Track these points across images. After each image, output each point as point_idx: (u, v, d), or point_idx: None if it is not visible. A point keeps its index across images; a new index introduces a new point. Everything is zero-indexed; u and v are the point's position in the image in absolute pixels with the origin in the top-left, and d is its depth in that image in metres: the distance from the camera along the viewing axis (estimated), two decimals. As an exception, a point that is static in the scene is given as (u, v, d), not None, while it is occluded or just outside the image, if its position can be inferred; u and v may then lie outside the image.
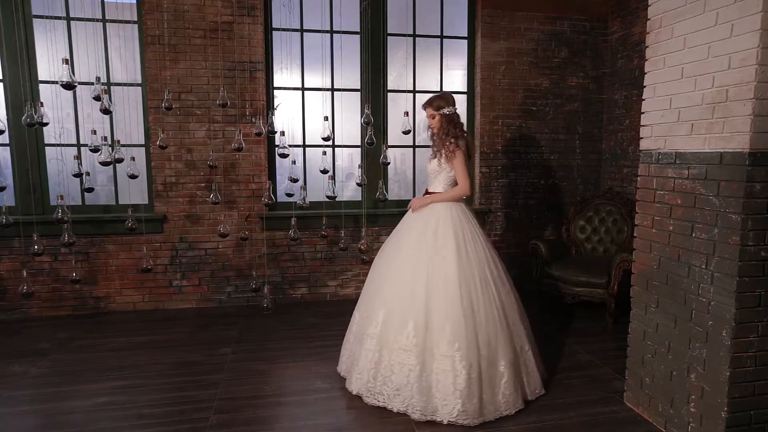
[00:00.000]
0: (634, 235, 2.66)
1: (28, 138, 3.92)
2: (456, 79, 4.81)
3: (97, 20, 3.99)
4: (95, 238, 4.11)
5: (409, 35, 4.53)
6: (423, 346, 2.53)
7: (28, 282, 3.45)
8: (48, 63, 3.89)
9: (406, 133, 3.88)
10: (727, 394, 2.12)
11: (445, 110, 2.82)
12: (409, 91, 4.60)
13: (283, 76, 4.44)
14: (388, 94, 4.57)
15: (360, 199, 4.59)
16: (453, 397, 2.46)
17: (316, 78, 4.48)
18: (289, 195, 3.92)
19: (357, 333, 2.84)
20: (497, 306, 2.62)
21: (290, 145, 4.14)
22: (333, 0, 4.37)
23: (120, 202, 4.20)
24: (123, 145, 3.81)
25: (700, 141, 2.23)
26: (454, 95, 2.95)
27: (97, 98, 3.43)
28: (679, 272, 2.34)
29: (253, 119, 4.16)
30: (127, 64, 4.14)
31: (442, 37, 4.64)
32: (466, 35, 4.69)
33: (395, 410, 2.56)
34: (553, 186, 4.88)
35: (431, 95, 2.95)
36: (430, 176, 2.93)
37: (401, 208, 4.53)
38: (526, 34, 4.64)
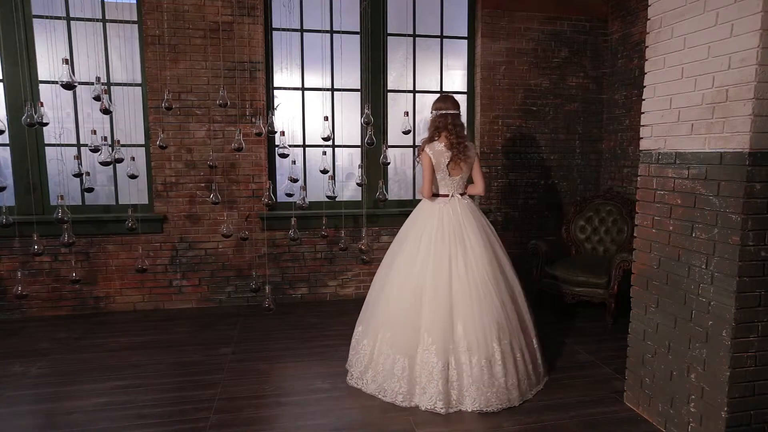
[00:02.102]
0: (634, 235, 2.66)
1: (28, 138, 3.91)
2: (456, 79, 4.81)
3: (97, 20, 3.99)
4: (95, 238, 4.10)
5: (409, 35, 4.53)
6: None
7: (22, 283, 3.43)
8: (48, 63, 3.89)
9: (406, 133, 3.88)
10: (727, 394, 2.12)
11: (430, 114, 2.92)
12: (409, 91, 4.59)
13: (283, 76, 4.44)
14: (388, 94, 4.57)
15: (360, 199, 4.59)
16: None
17: (316, 78, 4.48)
18: (289, 195, 3.92)
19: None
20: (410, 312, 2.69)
21: (290, 145, 4.13)
22: (333, 0, 4.37)
23: (120, 202, 4.20)
24: (123, 145, 3.81)
25: (700, 141, 2.23)
26: (453, 95, 2.97)
27: (97, 98, 3.43)
28: (679, 272, 2.34)
29: (253, 119, 4.16)
30: (127, 64, 4.14)
31: (442, 37, 4.64)
32: (466, 35, 4.68)
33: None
34: (553, 186, 4.88)
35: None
36: None
37: (401, 208, 4.54)
38: (526, 34, 4.63)
